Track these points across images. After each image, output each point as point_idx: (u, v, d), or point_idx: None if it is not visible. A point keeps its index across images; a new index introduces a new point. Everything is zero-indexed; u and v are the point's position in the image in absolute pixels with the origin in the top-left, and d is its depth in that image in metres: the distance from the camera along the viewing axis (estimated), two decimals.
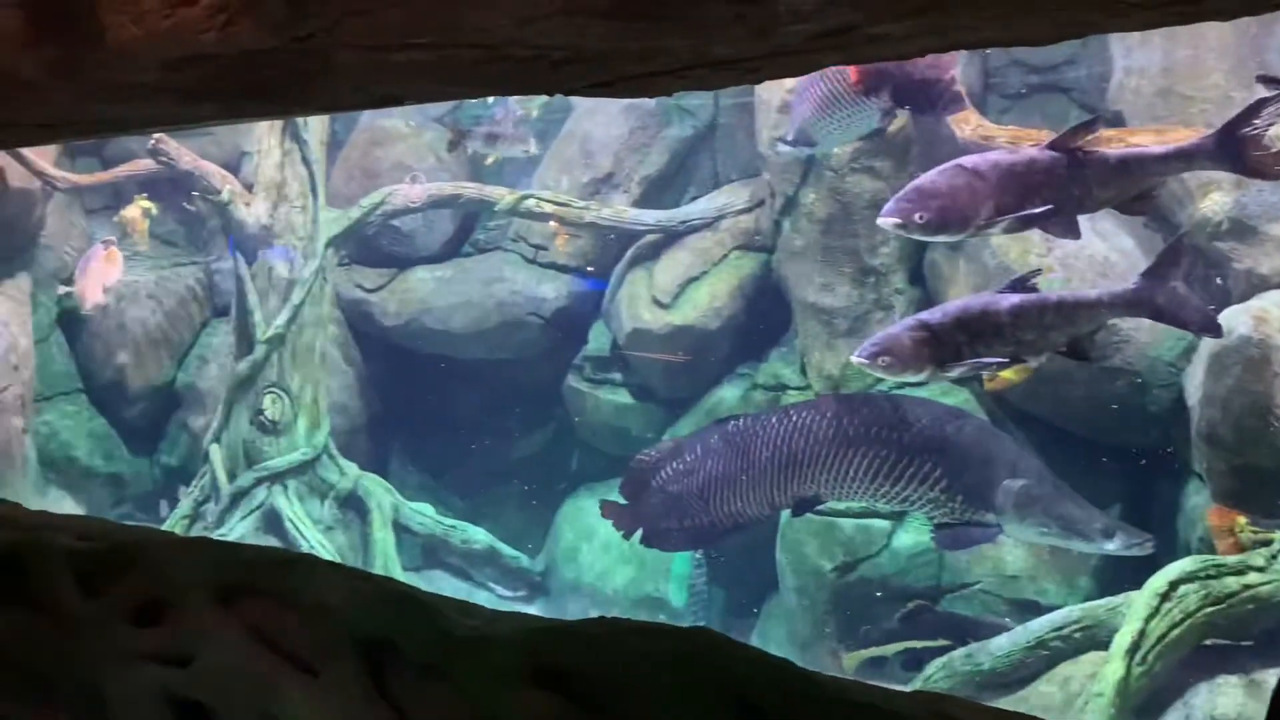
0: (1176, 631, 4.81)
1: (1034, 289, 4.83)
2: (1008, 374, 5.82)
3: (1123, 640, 4.90)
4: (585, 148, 8.53)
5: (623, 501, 6.48)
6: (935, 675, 5.64)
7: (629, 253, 8.19)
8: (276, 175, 8.34)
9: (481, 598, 8.09)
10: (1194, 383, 6.09)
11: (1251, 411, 5.64)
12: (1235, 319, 5.88)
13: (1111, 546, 5.47)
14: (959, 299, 5.22)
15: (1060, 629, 5.27)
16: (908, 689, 5.24)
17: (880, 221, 4.82)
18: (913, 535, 6.92)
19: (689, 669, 3.33)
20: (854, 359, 4.93)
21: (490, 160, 8.58)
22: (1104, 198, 4.59)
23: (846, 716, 3.14)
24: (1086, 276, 6.59)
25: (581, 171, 8.53)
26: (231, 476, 8.29)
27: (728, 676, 3.28)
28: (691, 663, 3.34)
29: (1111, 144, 5.55)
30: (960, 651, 5.71)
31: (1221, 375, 5.82)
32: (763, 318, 7.85)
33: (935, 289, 7.15)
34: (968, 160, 4.76)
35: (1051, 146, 4.65)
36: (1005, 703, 5.25)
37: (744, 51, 2.58)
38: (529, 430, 8.91)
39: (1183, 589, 4.92)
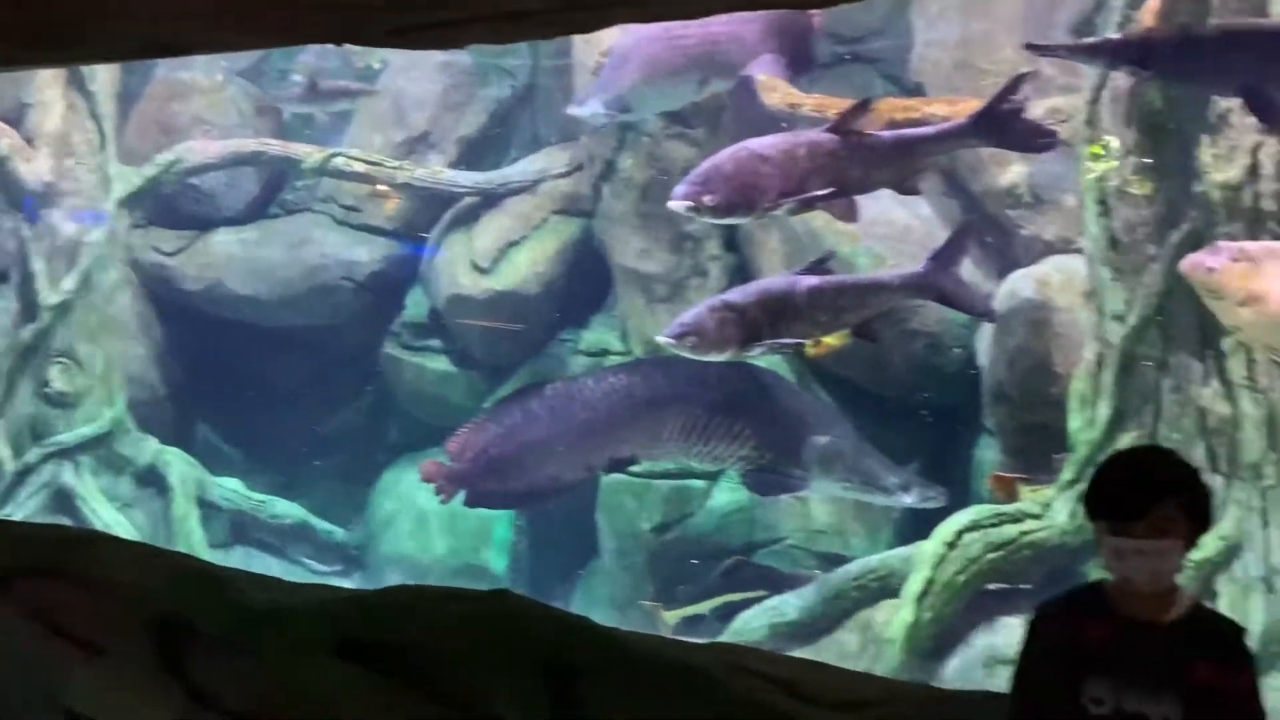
0: (961, 577, 5.12)
1: (829, 271, 5.03)
2: (830, 339, 6.04)
3: (912, 587, 5.20)
4: (399, 105, 8.28)
5: (446, 463, 6.45)
6: (743, 627, 5.82)
7: (446, 215, 8.02)
8: (60, 128, 7.75)
9: (295, 575, 7.83)
10: (984, 344, 6.44)
11: (1034, 370, 6.02)
12: (1021, 283, 6.26)
13: (908, 500, 5.81)
14: (760, 280, 5.38)
15: (858, 579, 5.54)
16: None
17: (671, 205, 4.94)
18: (728, 494, 7.10)
19: (491, 631, 3.33)
20: (660, 339, 5.03)
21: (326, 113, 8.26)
22: (880, 178, 4.79)
23: (644, 669, 3.22)
24: (889, 242, 6.88)
25: (395, 130, 8.28)
26: (17, 453, 7.73)
27: (530, 636, 3.30)
28: (493, 624, 3.34)
29: (907, 113, 5.81)
30: (766, 604, 5.92)
31: (1008, 336, 6.18)
32: (584, 283, 7.83)
33: (749, 255, 7.30)
34: (754, 143, 4.92)
35: (831, 129, 4.83)
36: (807, 650, 5.48)
37: (537, 4, 2.55)
38: (345, 400, 8.63)
39: (967, 537, 5.24)
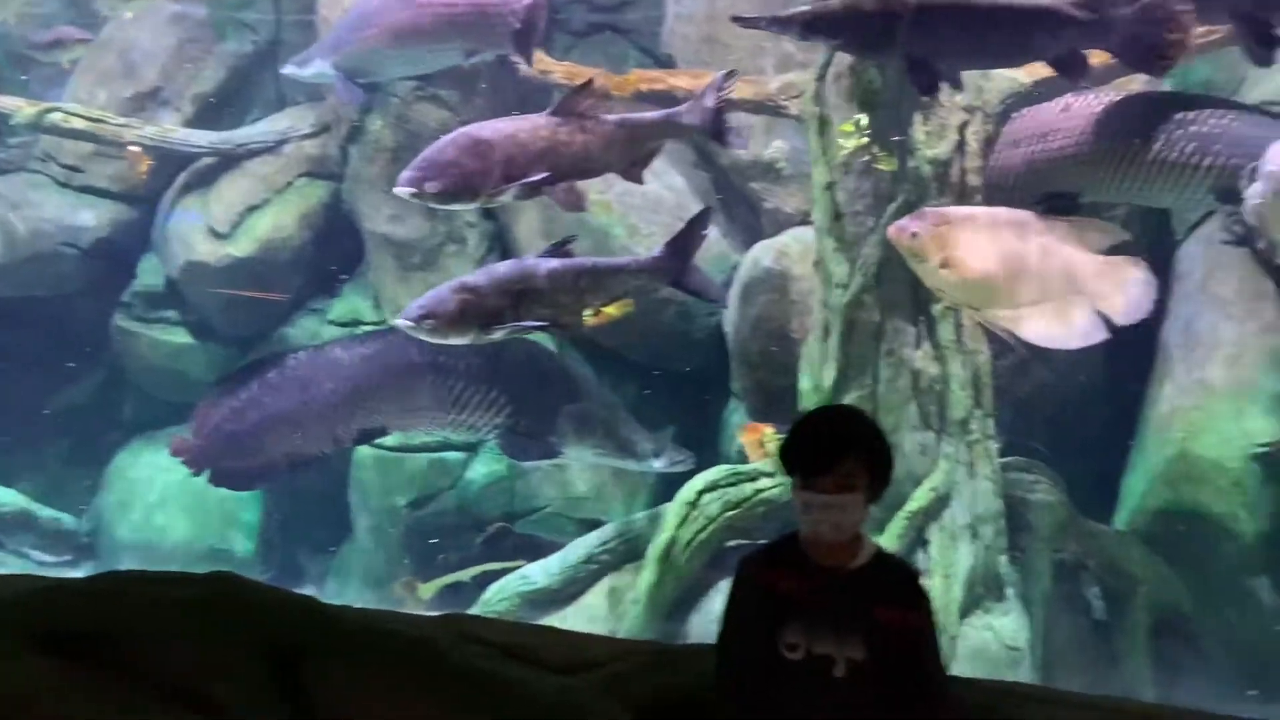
0: (702, 536, 5.30)
1: (570, 254, 5.08)
2: (611, 309, 6.08)
3: (656, 548, 5.34)
4: (127, 58, 7.67)
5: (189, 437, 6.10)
6: (492, 598, 5.82)
7: (180, 178, 7.52)
8: None
9: (16, 567, 7.22)
10: (730, 311, 6.67)
11: (773, 335, 6.29)
12: (761, 253, 6.51)
13: (658, 464, 5.96)
14: (501, 263, 5.38)
15: (606, 543, 5.63)
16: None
17: (395, 191, 4.87)
18: (486, 466, 7.06)
19: (209, 614, 3.16)
20: (398, 322, 4.94)
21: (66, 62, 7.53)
22: (604, 163, 4.88)
23: (367, 644, 3.16)
24: (643, 213, 6.99)
25: (123, 85, 7.68)
26: None
27: (250, 618, 3.16)
28: (211, 608, 3.17)
29: (653, 85, 5.91)
30: (516, 573, 5.93)
31: (749, 304, 6.42)
32: (333, 250, 7.55)
33: (507, 222, 7.24)
34: (475, 128, 4.92)
35: (554, 112, 4.87)
36: (555, 617, 5.54)
37: None
38: (71, 377, 7.97)
39: (707, 497, 5.42)
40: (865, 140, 4.99)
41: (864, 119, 5.01)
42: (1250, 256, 6.23)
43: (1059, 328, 4.50)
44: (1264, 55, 4.29)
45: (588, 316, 5.45)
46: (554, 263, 4.99)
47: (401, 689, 3.03)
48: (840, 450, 2.27)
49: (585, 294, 4.98)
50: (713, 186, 7.32)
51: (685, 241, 5.15)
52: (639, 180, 5.13)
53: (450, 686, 3.06)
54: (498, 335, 4.92)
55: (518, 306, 4.86)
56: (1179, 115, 5.51)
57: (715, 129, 4.87)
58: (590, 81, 5.25)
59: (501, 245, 7.30)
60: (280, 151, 7.49)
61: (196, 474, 6.34)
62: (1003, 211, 4.75)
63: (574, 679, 3.12)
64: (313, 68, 6.40)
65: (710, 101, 4.85)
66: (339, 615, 3.25)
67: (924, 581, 2.42)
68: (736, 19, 4.80)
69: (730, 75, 4.83)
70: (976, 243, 4.45)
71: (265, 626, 3.15)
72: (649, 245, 6.80)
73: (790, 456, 2.32)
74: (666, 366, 7.15)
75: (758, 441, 5.97)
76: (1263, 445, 5.86)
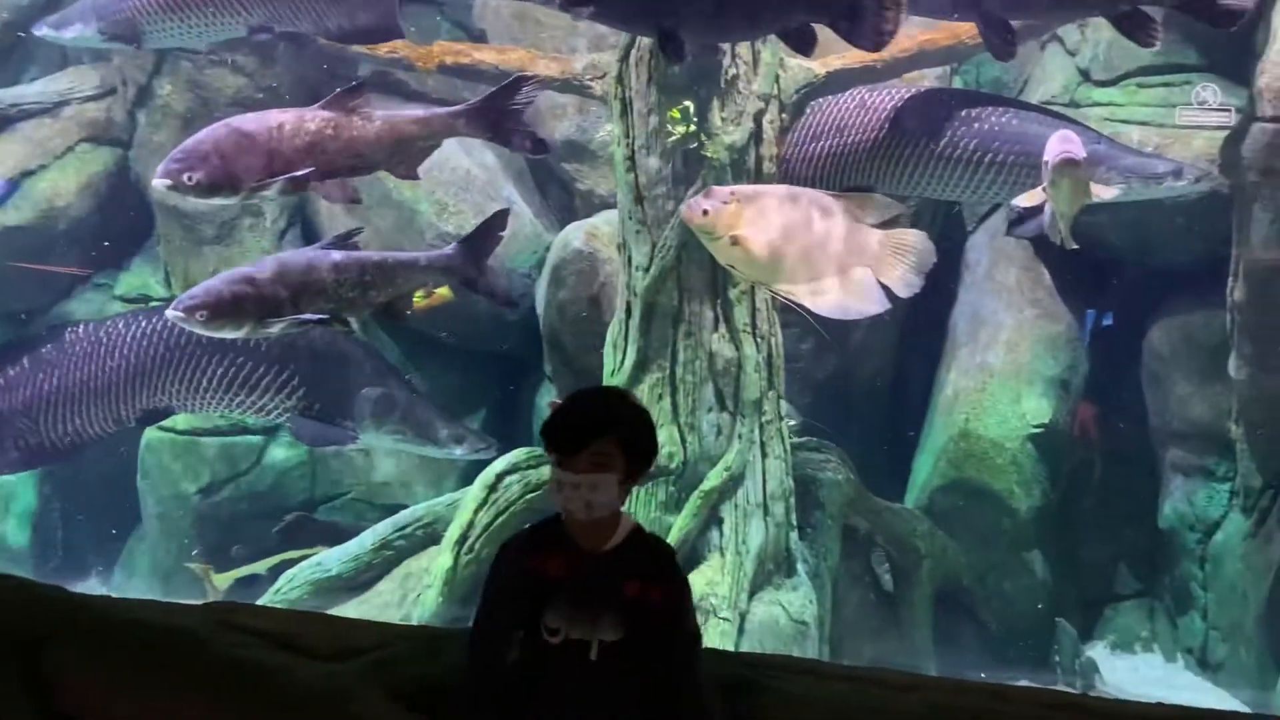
0: (500, 519, 5.24)
1: (355, 246, 4.93)
2: (442, 291, 5.91)
3: (452, 533, 5.25)
4: None
5: None
6: (284, 586, 5.61)
7: None
8: None
9: None
10: (541, 292, 6.62)
11: (583, 317, 6.27)
12: (572, 234, 6.48)
13: (459, 451, 5.87)
14: (285, 253, 5.17)
15: (404, 528, 5.51)
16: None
17: (153, 183, 4.62)
18: (285, 450, 6.79)
19: None
20: (169, 313, 4.67)
21: None
22: (374, 160, 4.77)
23: (119, 634, 2.99)
24: (453, 189, 6.84)
25: None
26: None
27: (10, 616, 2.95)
28: None
29: (458, 59, 5.78)
30: (310, 560, 5.74)
31: (560, 285, 6.39)
32: (120, 220, 7.09)
33: (306, 196, 6.95)
34: (238, 120, 4.73)
35: (325, 106, 4.73)
36: (350, 605, 5.38)
37: None
38: None
39: (508, 480, 5.37)
40: (694, 128, 5.00)
41: (690, 105, 5.03)
42: (1031, 248, 6.62)
43: (846, 299, 4.64)
44: (1004, 50, 4.56)
45: (418, 299, 5.30)
46: (339, 255, 4.82)
47: (151, 679, 2.88)
48: (594, 430, 2.25)
49: (371, 289, 4.81)
50: (527, 165, 7.25)
51: (480, 241, 5.06)
52: (414, 177, 5.01)
53: (207, 676, 2.92)
54: (275, 329, 4.70)
55: (298, 300, 4.66)
56: (966, 112, 5.77)
57: (497, 134, 4.78)
58: (362, 84, 5.12)
59: (302, 220, 7.03)
60: (59, 114, 6.97)
61: None
62: (789, 189, 4.88)
63: (339, 666, 3.02)
64: (72, 30, 5.98)
65: (495, 103, 4.77)
66: (82, 604, 3.06)
67: (679, 559, 2.42)
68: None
69: (524, 80, 4.77)
70: (764, 219, 4.54)
71: (8, 617, 2.95)
72: (459, 223, 6.68)
73: (546, 435, 2.30)
74: (480, 348, 7.04)
75: None
76: (1037, 426, 6.24)
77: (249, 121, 4.68)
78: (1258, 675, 5.63)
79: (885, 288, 4.76)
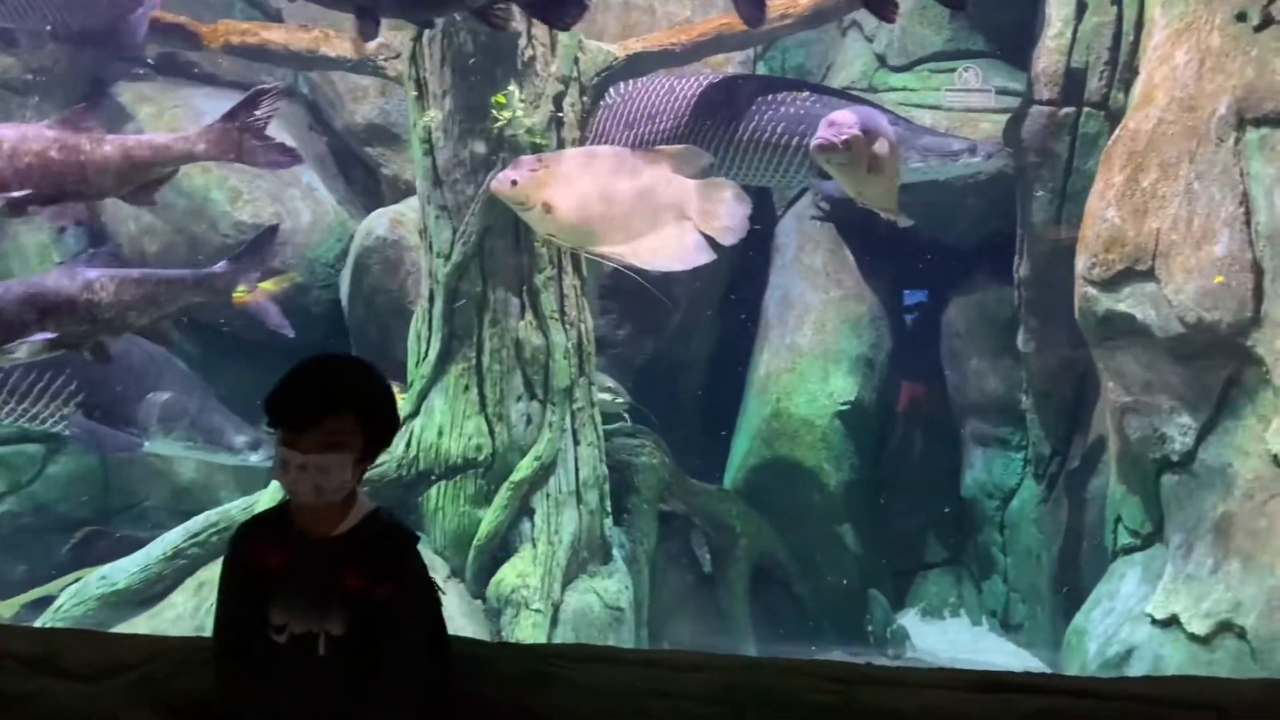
0: None
1: (117, 262, 4.60)
2: (269, 284, 5.54)
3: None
4: None
5: None
6: (67, 604, 5.21)
7: None
8: None
9: None
10: (345, 283, 6.37)
11: (388, 306, 6.07)
12: (376, 222, 6.26)
13: (255, 458, 5.57)
14: (34, 275, 4.78)
15: (196, 535, 5.20)
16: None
17: None
18: (74, 459, 6.33)
19: None
20: None
21: None
22: (103, 186, 4.46)
23: None
24: (246, 176, 6.47)
25: None
26: None
27: None
28: None
29: (245, 39, 5.48)
30: (95, 574, 5.35)
31: (364, 274, 6.17)
32: None
33: None
34: None
35: (54, 126, 4.40)
36: (142, 619, 5.05)
37: None
38: None
39: None
40: (519, 113, 4.85)
41: (516, 90, 4.88)
42: (835, 231, 6.79)
43: (670, 252, 4.58)
44: (754, 17, 4.61)
45: (239, 293, 4.98)
46: (93, 274, 4.47)
47: None
48: (327, 406, 2.00)
49: (130, 310, 4.48)
50: (329, 150, 6.96)
51: (251, 258, 4.79)
52: (150, 203, 4.68)
53: None
54: (21, 354, 4.31)
55: (46, 323, 4.30)
56: (770, 97, 5.84)
57: (246, 154, 4.50)
58: (91, 104, 4.78)
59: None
60: None
61: None
62: (596, 149, 4.81)
63: (102, 685, 2.79)
64: None
65: (235, 122, 4.49)
66: None
67: (417, 545, 2.14)
68: None
69: (262, 93, 4.53)
70: (575, 182, 4.44)
71: None
72: (254, 211, 6.35)
73: (271, 408, 2.02)
74: (281, 342, 6.72)
75: None
76: (844, 403, 6.41)
77: None
78: (1052, 634, 5.94)
79: (709, 239, 4.71)
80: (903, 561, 6.80)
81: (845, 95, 6.15)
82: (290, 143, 6.71)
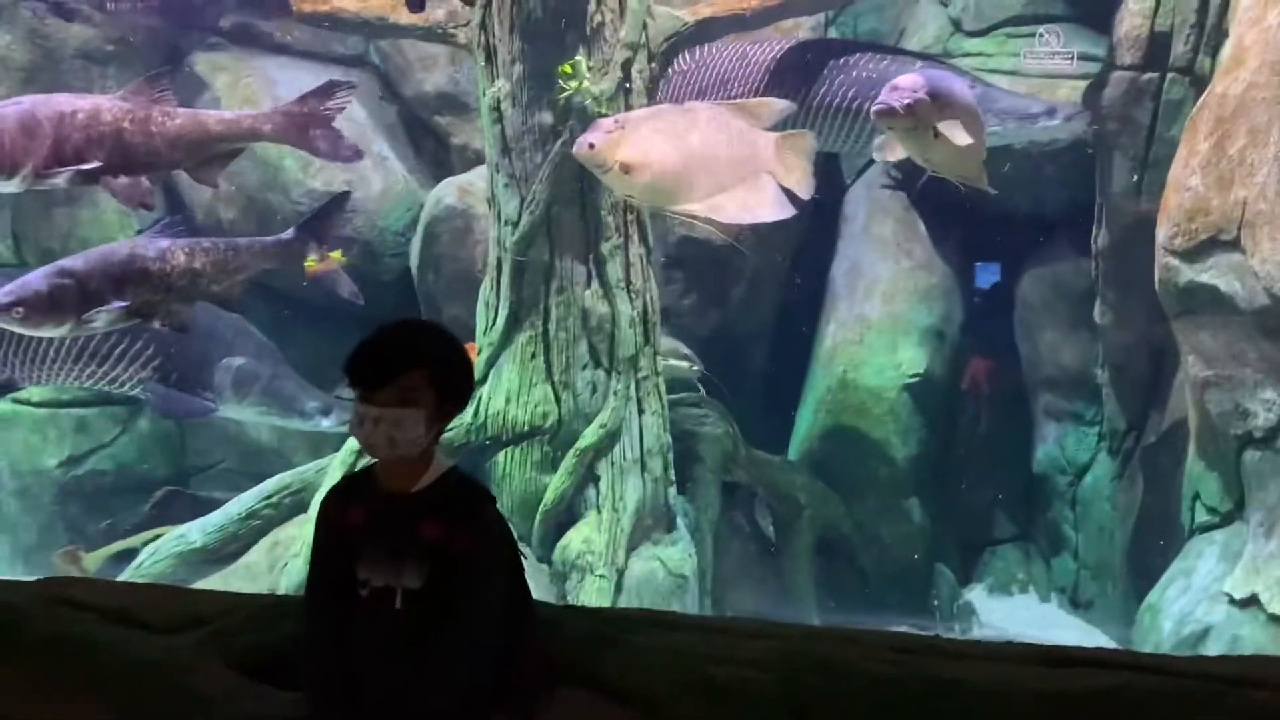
0: None
1: (184, 233, 4.70)
2: (336, 255, 5.65)
3: (320, 500, 5.06)
4: None
5: None
6: (147, 561, 5.39)
7: None
8: None
9: None
10: (414, 251, 6.44)
11: (458, 274, 6.13)
12: (445, 190, 6.31)
13: (326, 424, 5.69)
14: (108, 245, 4.87)
15: (270, 496, 5.32)
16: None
17: None
18: (153, 420, 6.51)
19: None
20: None
21: None
22: (171, 159, 4.51)
23: None
24: None
25: None
26: None
27: None
28: None
29: (317, 6, 5.53)
30: (174, 532, 5.52)
31: (433, 243, 6.23)
32: None
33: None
34: (31, 101, 4.44)
35: (126, 96, 4.46)
36: (215, 577, 5.19)
37: None
38: None
39: None
40: (586, 82, 4.85)
41: (582, 59, 4.87)
42: (906, 200, 6.67)
43: (749, 206, 4.53)
44: None
45: (310, 262, 5.11)
46: (165, 243, 4.56)
47: None
48: (400, 363, 2.09)
49: (201, 277, 4.58)
50: (399, 119, 7.02)
51: (320, 225, 4.85)
52: (212, 183, 4.75)
53: (35, 654, 2.76)
54: (99, 324, 4.43)
55: (122, 291, 4.40)
56: (842, 61, 5.75)
57: (309, 142, 4.57)
58: (166, 72, 4.86)
59: (162, 184, 6.69)
60: None
61: None
62: (674, 106, 4.78)
63: (178, 638, 2.88)
64: None
65: (307, 113, 4.56)
66: None
67: (495, 503, 2.19)
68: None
69: (337, 85, 4.58)
70: (652, 141, 4.41)
71: None
72: (326, 179, 6.44)
73: (348, 369, 2.10)
74: (352, 309, 6.82)
75: None
76: (913, 375, 6.32)
77: (41, 105, 4.37)
78: (1123, 612, 5.82)
79: (787, 192, 4.65)
80: (970, 536, 6.71)
81: (920, 58, 6.03)
82: (361, 109, 6.86)
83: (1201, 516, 5.11)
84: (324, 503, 2.27)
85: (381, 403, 2.08)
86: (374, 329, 2.18)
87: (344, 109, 4.58)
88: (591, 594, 4.77)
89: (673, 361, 5.77)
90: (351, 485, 2.25)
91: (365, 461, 5.20)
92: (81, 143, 4.29)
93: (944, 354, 6.46)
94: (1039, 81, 6.02)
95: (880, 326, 6.38)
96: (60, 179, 4.33)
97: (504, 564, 2.20)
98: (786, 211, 4.64)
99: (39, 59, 6.33)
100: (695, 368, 5.94)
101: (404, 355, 2.12)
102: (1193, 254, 4.70)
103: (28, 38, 6.31)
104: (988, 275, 6.94)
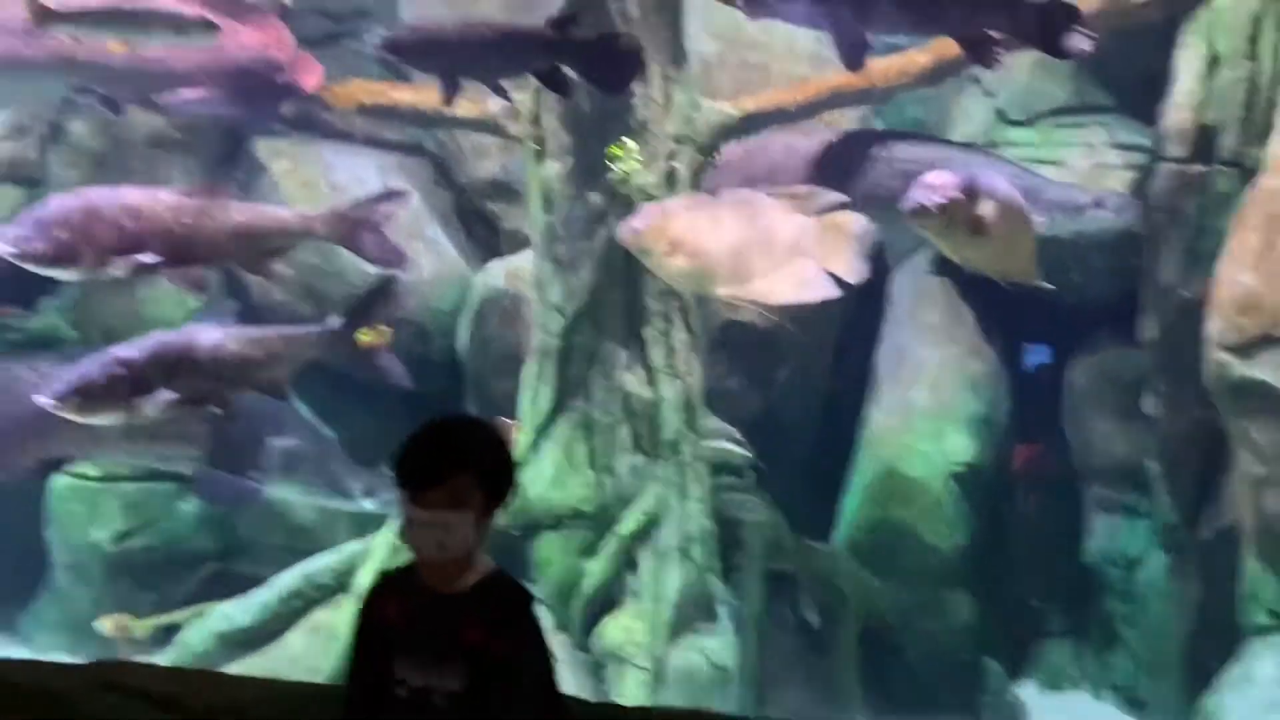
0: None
1: (237, 320, 4.87)
2: (368, 334, 5.79)
3: (362, 581, 5.11)
4: None
5: None
6: (191, 637, 5.42)
7: None
8: None
9: None
10: (463, 332, 6.54)
11: (504, 356, 6.20)
12: (493, 273, 6.43)
13: (370, 504, 5.75)
14: (161, 332, 5.04)
15: (313, 576, 5.35)
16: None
17: (0, 250, 4.52)
18: None
19: None
20: (41, 400, 4.54)
21: None
22: (228, 252, 4.72)
23: None
24: None
25: None
26: None
27: None
28: None
29: (376, 98, 5.73)
30: (219, 610, 5.56)
31: (481, 325, 6.33)
32: None
33: None
34: (95, 194, 4.69)
35: (187, 191, 4.69)
36: (256, 659, 5.21)
37: None
38: None
39: None
40: (636, 164, 4.97)
41: (630, 142, 5.00)
42: (952, 286, 6.67)
43: (792, 287, 4.57)
44: (854, 58, 4.63)
45: (364, 335, 5.25)
46: (217, 333, 4.72)
47: None
48: (449, 465, 2.08)
49: (252, 364, 4.71)
50: (452, 204, 7.18)
51: (365, 312, 4.99)
52: (266, 275, 4.94)
53: None
54: (149, 411, 4.57)
55: (173, 380, 4.53)
56: (888, 152, 5.81)
57: (358, 244, 4.75)
58: (214, 187, 5.09)
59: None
60: None
61: None
62: (719, 193, 4.88)
63: None
64: None
65: (358, 216, 4.75)
66: None
67: (536, 605, 2.20)
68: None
69: (392, 194, 4.78)
70: (696, 225, 4.48)
71: None
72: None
73: (397, 469, 2.10)
74: (401, 390, 6.92)
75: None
76: (960, 464, 6.25)
77: (105, 197, 4.60)
78: (1180, 714, 5.64)
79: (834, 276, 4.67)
80: (1020, 630, 6.55)
81: (966, 148, 6.07)
82: (415, 194, 7.03)
83: (1260, 618, 4.97)
84: (365, 599, 2.29)
85: (430, 504, 2.08)
86: (422, 426, 2.17)
87: (393, 217, 4.73)
88: (630, 685, 4.72)
89: (724, 444, 5.76)
90: (393, 581, 2.25)
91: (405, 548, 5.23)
92: (141, 234, 4.47)
93: (992, 442, 6.39)
94: (1086, 171, 6.03)
95: (926, 413, 6.33)
96: (120, 270, 4.50)
97: (543, 668, 2.18)
98: (829, 292, 4.67)
99: (110, 146, 6.60)
100: (744, 453, 5.92)
101: (453, 457, 2.11)
102: (1244, 349, 4.65)
103: (100, 126, 6.59)
104: (1036, 363, 6.88)
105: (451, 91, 4.68)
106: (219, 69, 5.69)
